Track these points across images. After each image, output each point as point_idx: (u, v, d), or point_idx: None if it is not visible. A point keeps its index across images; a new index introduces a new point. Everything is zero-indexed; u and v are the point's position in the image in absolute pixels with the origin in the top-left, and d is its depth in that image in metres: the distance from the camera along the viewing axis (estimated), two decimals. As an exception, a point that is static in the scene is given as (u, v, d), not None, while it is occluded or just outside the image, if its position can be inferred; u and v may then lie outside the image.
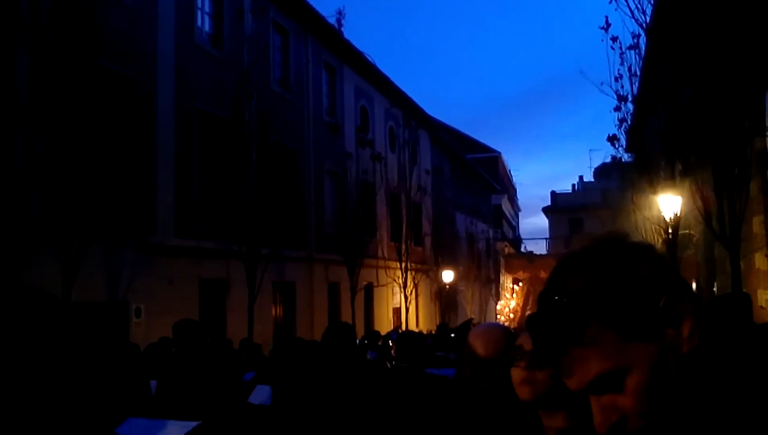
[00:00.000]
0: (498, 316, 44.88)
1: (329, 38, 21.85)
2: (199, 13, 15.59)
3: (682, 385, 0.94)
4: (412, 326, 25.22)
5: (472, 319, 23.62)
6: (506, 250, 53.06)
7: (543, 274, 49.66)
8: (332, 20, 21.64)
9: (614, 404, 0.95)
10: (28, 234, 9.98)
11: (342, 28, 22.19)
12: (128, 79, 12.77)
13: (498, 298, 47.27)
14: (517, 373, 1.81)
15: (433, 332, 18.87)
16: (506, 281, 51.59)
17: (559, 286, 0.98)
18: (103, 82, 11.10)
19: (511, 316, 44.51)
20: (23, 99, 9.96)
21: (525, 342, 1.80)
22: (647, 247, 1.01)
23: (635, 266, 0.97)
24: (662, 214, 13.08)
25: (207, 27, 16.01)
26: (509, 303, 48.21)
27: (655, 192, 13.87)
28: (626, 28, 23.34)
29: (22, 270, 9.91)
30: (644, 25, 12.67)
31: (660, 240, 13.59)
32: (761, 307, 10.19)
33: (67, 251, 9.53)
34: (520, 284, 49.87)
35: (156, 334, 10.11)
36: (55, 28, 9.73)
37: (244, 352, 10.27)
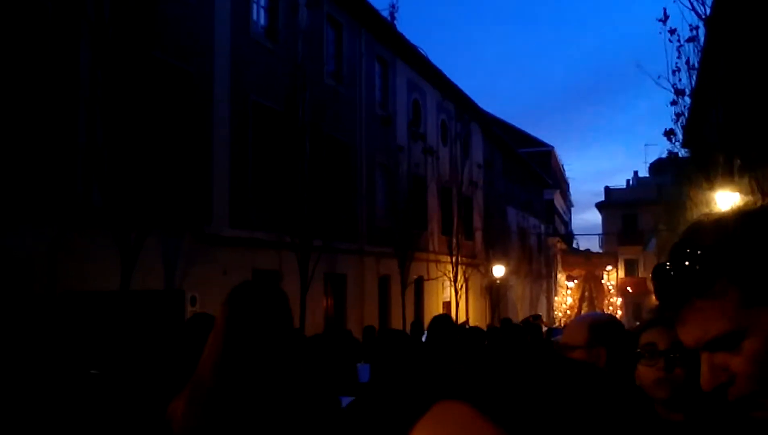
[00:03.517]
0: (555, 313, 44.52)
1: (382, 32, 21.86)
2: (254, 6, 15.76)
3: None
4: (461, 321, 25.14)
5: (539, 315, 23.45)
6: (558, 245, 52.55)
7: (598, 272, 49.03)
8: (385, 13, 21.64)
9: (726, 364, 0.96)
10: (89, 222, 10.26)
11: (395, 22, 22.18)
12: (185, 71, 13.00)
13: (550, 294, 46.84)
14: (651, 373, 1.77)
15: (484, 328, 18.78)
16: (561, 278, 51.13)
17: (695, 239, 1.00)
18: (161, 75, 11.32)
19: (569, 312, 44.07)
20: (85, 91, 10.23)
21: (658, 340, 1.76)
22: None
23: None
24: (720, 210, 12.74)
25: (262, 20, 16.17)
26: (565, 299, 47.76)
27: (712, 188, 13.56)
28: (685, 20, 22.81)
29: (83, 257, 10.20)
30: (704, 16, 12.40)
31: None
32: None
33: (125, 240, 9.75)
34: (575, 282, 49.33)
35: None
36: (117, 21, 9.95)
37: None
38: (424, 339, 7.84)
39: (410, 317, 21.03)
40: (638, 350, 1.82)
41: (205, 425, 1.81)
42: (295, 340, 2.09)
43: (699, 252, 0.97)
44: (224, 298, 2.06)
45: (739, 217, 1.00)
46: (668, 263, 1.01)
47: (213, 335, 1.93)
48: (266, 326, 1.88)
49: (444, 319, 3.73)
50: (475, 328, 7.95)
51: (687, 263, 0.97)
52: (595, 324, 2.34)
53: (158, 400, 2.80)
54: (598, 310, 43.62)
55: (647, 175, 57.04)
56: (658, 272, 1.03)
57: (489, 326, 19.56)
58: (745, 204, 1.06)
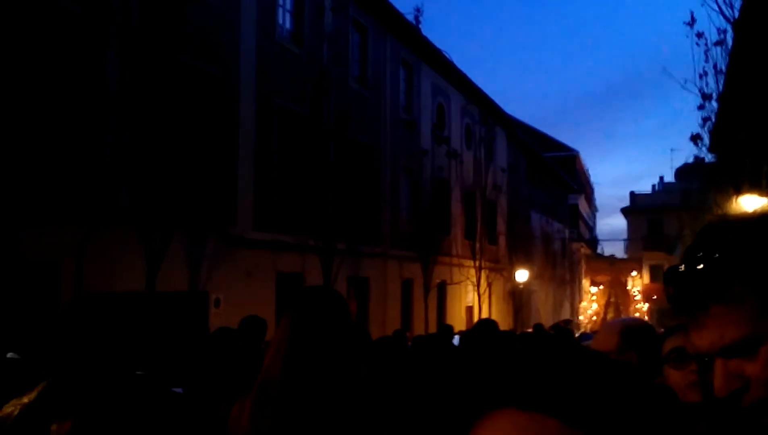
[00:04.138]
0: (580, 318, 44.25)
1: (407, 36, 21.87)
2: (280, 10, 15.83)
3: None
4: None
5: (570, 320, 23.31)
6: (582, 250, 52.21)
7: (623, 278, 48.61)
8: (410, 17, 21.67)
9: (741, 370, 0.94)
10: (115, 224, 10.35)
11: (420, 26, 22.21)
12: (211, 74, 13.08)
13: (574, 299, 46.53)
14: (682, 377, 1.77)
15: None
16: (586, 283, 50.81)
17: (711, 242, 0.96)
18: (187, 78, 11.40)
19: (594, 318, 43.73)
20: (113, 93, 10.33)
21: (687, 344, 1.73)
22: None
23: None
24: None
25: (288, 24, 16.25)
26: (590, 305, 47.44)
27: (739, 193, 13.39)
28: (712, 23, 22.54)
29: (109, 258, 10.30)
30: (732, 19, 12.26)
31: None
32: None
33: (151, 241, 9.84)
34: (600, 287, 48.99)
35: (233, 325, 10.32)
36: (144, 24, 10.05)
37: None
38: (455, 342, 7.83)
39: (433, 321, 21.01)
40: (666, 355, 1.81)
41: (272, 429, 1.88)
42: (357, 344, 2.22)
43: (716, 255, 0.94)
44: (286, 307, 2.17)
45: (758, 220, 0.98)
46: (682, 266, 0.98)
47: (277, 340, 2.01)
48: (330, 331, 1.98)
49: (490, 324, 3.74)
50: (508, 333, 7.92)
51: (702, 266, 0.94)
52: (626, 329, 2.35)
53: (212, 401, 2.83)
54: (624, 316, 43.25)
55: (673, 181, 56.54)
56: (671, 275, 0.99)
57: (511, 331, 19.44)
58: (762, 207, 1.04)
